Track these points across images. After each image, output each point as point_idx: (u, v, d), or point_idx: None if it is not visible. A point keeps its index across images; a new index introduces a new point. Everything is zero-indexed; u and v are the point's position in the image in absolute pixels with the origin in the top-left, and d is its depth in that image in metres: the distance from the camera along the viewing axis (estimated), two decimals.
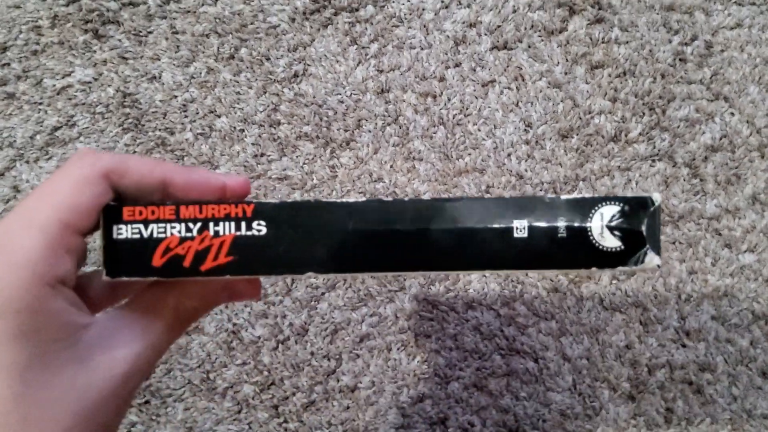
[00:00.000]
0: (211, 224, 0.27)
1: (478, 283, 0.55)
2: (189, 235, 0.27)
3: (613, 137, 0.59)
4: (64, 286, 0.25)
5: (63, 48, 0.61)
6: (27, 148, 0.58)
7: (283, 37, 0.62)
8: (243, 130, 0.59)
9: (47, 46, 0.61)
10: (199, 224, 0.27)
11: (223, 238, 0.27)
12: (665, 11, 0.63)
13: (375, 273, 0.28)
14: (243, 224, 0.27)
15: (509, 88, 0.61)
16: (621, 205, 0.27)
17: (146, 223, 0.27)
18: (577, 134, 0.59)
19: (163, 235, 0.27)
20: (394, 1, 0.63)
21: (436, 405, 0.52)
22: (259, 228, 0.27)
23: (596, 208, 0.27)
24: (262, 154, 0.58)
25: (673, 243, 0.56)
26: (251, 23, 0.62)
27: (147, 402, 0.56)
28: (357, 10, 0.62)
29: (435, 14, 0.62)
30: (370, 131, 0.59)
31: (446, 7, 0.63)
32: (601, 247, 0.27)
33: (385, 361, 0.53)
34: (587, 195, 0.27)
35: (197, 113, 0.59)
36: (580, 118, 0.59)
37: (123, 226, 0.27)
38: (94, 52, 0.61)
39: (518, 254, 0.27)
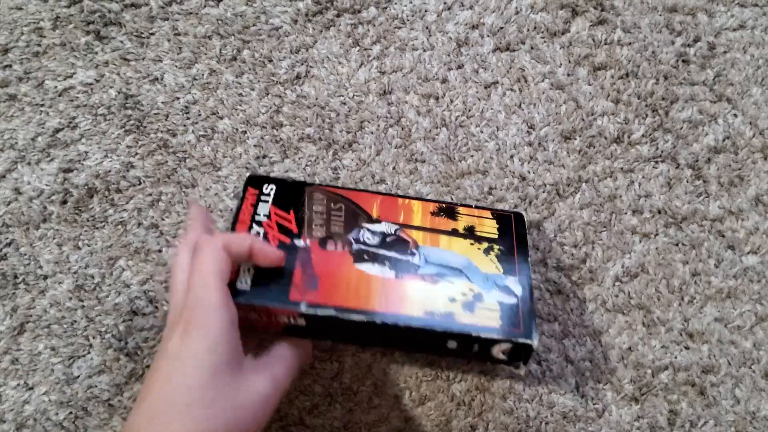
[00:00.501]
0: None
1: None
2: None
3: (616, 139, 0.59)
4: (237, 325, 0.39)
5: (65, 49, 0.61)
6: (28, 150, 0.58)
7: (285, 39, 0.62)
8: (245, 132, 0.59)
9: (49, 47, 0.61)
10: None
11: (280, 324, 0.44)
12: (668, 13, 0.62)
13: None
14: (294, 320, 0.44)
15: (512, 90, 0.60)
16: (510, 345, 0.43)
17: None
18: (580, 136, 0.59)
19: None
20: (396, 3, 0.63)
21: (439, 407, 0.52)
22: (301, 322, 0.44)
23: (496, 344, 0.43)
24: (265, 156, 0.58)
25: (677, 245, 0.56)
26: (254, 25, 0.62)
27: None
28: (359, 11, 0.62)
29: (437, 16, 0.62)
30: (372, 133, 0.59)
31: (449, 9, 0.63)
32: (496, 358, 0.45)
33: (387, 363, 0.53)
34: (490, 337, 0.43)
35: (199, 115, 0.59)
36: (583, 120, 0.59)
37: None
38: (96, 53, 0.61)
39: (450, 353, 0.45)
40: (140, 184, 0.57)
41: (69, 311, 0.54)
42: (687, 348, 0.53)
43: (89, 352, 0.53)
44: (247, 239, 0.42)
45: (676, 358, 0.53)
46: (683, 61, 0.61)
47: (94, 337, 0.53)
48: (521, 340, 0.43)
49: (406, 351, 0.53)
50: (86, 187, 0.57)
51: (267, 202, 0.48)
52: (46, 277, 0.55)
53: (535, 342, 0.43)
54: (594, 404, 0.52)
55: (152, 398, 0.36)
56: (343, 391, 0.52)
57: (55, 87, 0.60)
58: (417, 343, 0.45)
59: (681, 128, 0.59)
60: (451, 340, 0.43)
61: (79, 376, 0.52)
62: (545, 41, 0.62)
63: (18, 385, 0.52)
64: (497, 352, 0.44)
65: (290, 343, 0.43)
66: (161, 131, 0.59)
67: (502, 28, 0.62)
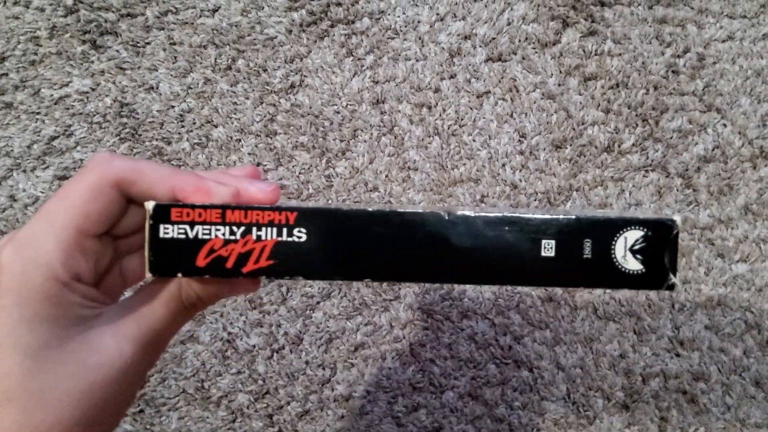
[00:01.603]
0: (254, 229, 0.29)
1: (473, 292, 0.56)
2: (233, 238, 0.29)
3: (607, 148, 0.60)
4: (80, 282, 0.28)
5: (61, 58, 0.62)
6: (24, 158, 0.58)
7: (280, 49, 0.62)
8: (239, 140, 0.59)
9: (45, 56, 0.62)
10: (242, 228, 0.29)
11: (265, 242, 0.29)
12: (658, 24, 0.63)
13: (414, 282, 0.30)
14: (285, 231, 0.29)
15: (504, 100, 0.61)
16: (644, 230, 0.28)
17: (192, 224, 0.29)
18: (571, 145, 0.60)
19: (207, 237, 0.29)
20: (389, 14, 0.63)
21: (431, 414, 0.52)
22: (300, 235, 0.29)
23: (621, 232, 0.28)
24: (259, 164, 0.58)
25: None
26: (248, 35, 0.62)
27: (141, 411, 0.56)
28: (353, 22, 0.63)
29: (430, 27, 0.63)
30: (365, 141, 0.60)
31: (441, 20, 0.63)
32: (624, 269, 0.28)
33: (379, 370, 0.53)
34: (613, 215, 0.29)
35: (194, 123, 0.60)
36: (574, 129, 0.60)
37: (170, 226, 0.29)
38: (92, 62, 0.62)
39: (544, 272, 0.28)
40: None
41: None
42: (677, 355, 0.54)
43: None
44: (171, 177, 0.29)
45: (666, 365, 0.53)
46: (673, 71, 0.62)
47: None
48: (665, 219, 0.28)
49: (478, 280, 0.30)
50: None
51: None
52: None
53: (679, 219, 0.29)
54: (585, 411, 0.52)
55: None
56: (335, 397, 0.52)
57: (51, 95, 0.60)
58: (496, 258, 0.29)
59: (671, 138, 0.60)
60: (549, 239, 0.29)
61: None
62: (536, 52, 0.62)
63: None
64: (622, 252, 0.29)
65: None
66: (156, 139, 0.59)
67: (494, 38, 0.63)
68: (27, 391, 0.26)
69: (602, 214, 0.29)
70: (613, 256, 0.28)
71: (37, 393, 0.26)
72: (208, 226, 0.29)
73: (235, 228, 0.29)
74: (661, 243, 0.28)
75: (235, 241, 0.29)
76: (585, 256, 0.29)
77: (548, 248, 0.29)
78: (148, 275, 0.29)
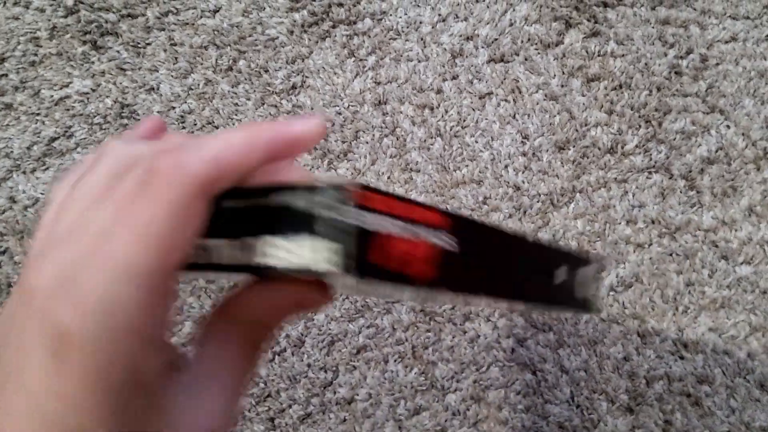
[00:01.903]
0: (423, 229, 0.23)
1: None
2: (405, 235, 0.23)
3: (610, 149, 0.59)
4: (158, 338, 0.21)
5: (61, 59, 0.61)
6: (24, 159, 0.58)
7: (281, 50, 0.62)
8: None
9: (45, 57, 0.61)
10: (414, 226, 0.23)
11: (432, 247, 0.23)
12: (660, 25, 0.63)
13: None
14: (444, 236, 0.24)
15: (506, 101, 0.61)
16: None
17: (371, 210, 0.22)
18: (574, 146, 0.59)
19: (380, 229, 0.22)
20: (391, 15, 0.63)
21: (434, 417, 0.52)
22: (453, 244, 0.24)
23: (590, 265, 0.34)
24: None
25: (671, 255, 0.56)
26: (250, 35, 0.62)
27: None
28: (355, 23, 0.63)
29: (432, 27, 0.63)
30: (367, 143, 0.59)
31: (443, 21, 0.63)
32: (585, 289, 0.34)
33: (382, 372, 0.53)
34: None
35: (195, 124, 0.59)
36: (577, 131, 0.60)
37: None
38: (93, 63, 0.61)
39: (546, 296, 0.31)
40: None
41: None
42: (682, 358, 0.53)
43: None
44: (252, 150, 0.22)
45: (670, 368, 0.53)
46: (676, 72, 0.62)
47: None
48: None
49: (512, 297, 0.29)
50: None
51: None
52: None
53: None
54: (589, 414, 0.52)
55: None
56: (337, 400, 0.52)
57: (52, 96, 0.60)
58: (526, 277, 0.29)
59: (674, 139, 0.60)
60: (563, 266, 0.31)
61: None
62: (539, 53, 0.62)
63: None
64: (592, 276, 0.34)
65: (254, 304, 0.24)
66: None
67: (496, 39, 0.62)
68: None
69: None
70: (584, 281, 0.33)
71: None
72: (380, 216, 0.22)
73: (404, 223, 0.22)
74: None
75: (407, 241, 0.22)
76: (575, 279, 0.32)
77: (561, 274, 0.31)
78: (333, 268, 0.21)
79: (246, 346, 0.24)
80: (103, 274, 0.19)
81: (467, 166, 0.59)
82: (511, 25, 0.63)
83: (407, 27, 0.63)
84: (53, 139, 0.59)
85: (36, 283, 0.19)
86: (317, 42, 0.62)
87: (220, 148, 0.21)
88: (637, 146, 0.60)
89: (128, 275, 0.19)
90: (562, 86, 0.61)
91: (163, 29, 0.62)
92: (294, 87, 0.61)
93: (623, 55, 0.62)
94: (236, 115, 0.60)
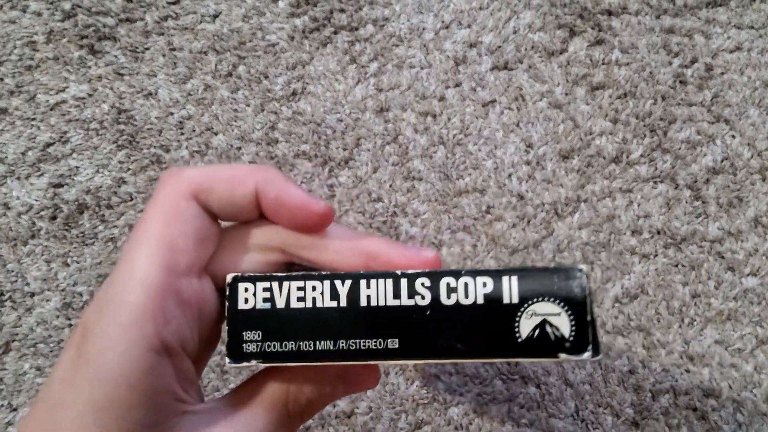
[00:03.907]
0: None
1: None
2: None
3: (615, 158, 0.59)
4: (175, 351, 0.21)
5: (58, 63, 0.60)
6: (18, 165, 0.57)
7: (281, 55, 0.61)
8: (240, 148, 0.58)
9: (42, 61, 0.60)
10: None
11: None
12: (665, 33, 0.62)
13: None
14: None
15: (510, 109, 0.60)
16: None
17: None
18: (578, 155, 0.59)
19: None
20: (394, 21, 0.62)
21: (436, 431, 0.51)
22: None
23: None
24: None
25: (676, 266, 0.56)
26: (250, 41, 0.61)
27: None
28: (357, 29, 0.62)
29: (435, 34, 0.62)
30: (369, 150, 0.58)
31: (446, 28, 0.62)
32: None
33: (382, 385, 0.52)
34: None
35: (194, 130, 0.58)
36: (581, 139, 0.59)
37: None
38: (89, 67, 0.60)
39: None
40: (132, 200, 0.56)
41: (56, 330, 0.52)
42: (688, 371, 0.53)
43: None
44: (250, 175, 0.23)
45: (676, 381, 0.52)
46: (681, 81, 0.61)
47: None
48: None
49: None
50: (76, 202, 0.56)
51: None
52: (33, 295, 0.53)
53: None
54: (594, 428, 0.51)
55: None
56: (336, 413, 0.51)
57: (47, 101, 0.59)
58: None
59: (679, 149, 0.59)
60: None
61: None
62: (543, 60, 0.61)
63: (2, 405, 0.50)
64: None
65: (297, 373, 0.24)
66: (154, 146, 0.58)
67: (500, 47, 0.62)
68: None
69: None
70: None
71: None
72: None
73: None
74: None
75: None
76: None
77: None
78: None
79: (282, 413, 0.24)
80: (116, 276, 0.21)
81: (470, 174, 0.58)
82: (514, 32, 0.62)
83: (410, 34, 0.62)
84: (48, 145, 0.58)
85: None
86: (318, 48, 0.62)
87: (219, 167, 0.24)
88: (642, 155, 0.59)
89: (132, 274, 0.21)
90: (567, 94, 0.60)
91: (162, 34, 0.61)
92: (294, 93, 0.60)
93: (628, 64, 0.61)
94: (235, 121, 0.59)
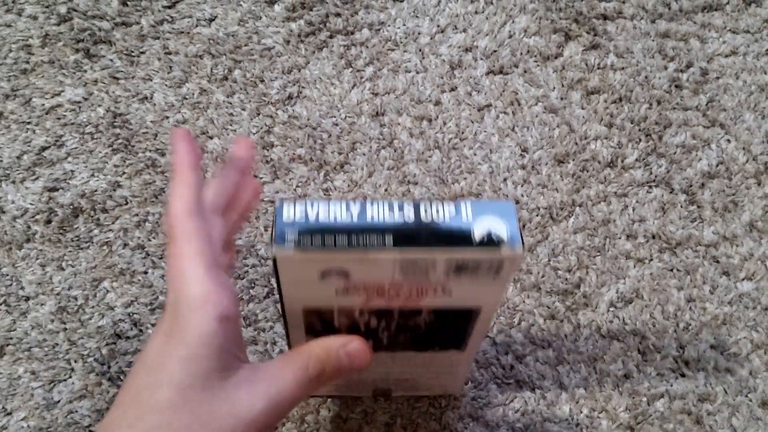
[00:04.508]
0: None
1: None
2: None
3: (610, 163, 0.59)
4: (229, 322, 0.31)
5: (53, 67, 0.60)
6: (13, 168, 0.57)
7: (277, 59, 0.61)
8: None
9: (37, 65, 0.60)
10: None
11: None
12: (660, 38, 0.63)
13: None
14: None
15: (505, 113, 0.60)
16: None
17: None
18: (573, 159, 0.59)
19: None
20: (389, 25, 0.62)
21: None
22: None
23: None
24: (255, 176, 0.57)
25: (671, 270, 0.56)
26: (245, 45, 0.61)
27: None
28: (352, 33, 0.62)
29: (431, 38, 0.62)
30: (364, 154, 0.58)
31: (442, 32, 0.63)
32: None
33: None
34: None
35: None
36: (576, 144, 0.59)
37: None
38: (85, 71, 0.60)
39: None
40: (127, 204, 0.56)
41: (51, 334, 0.52)
42: (683, 375, 0.53)
43: (71, 377, 0.51)
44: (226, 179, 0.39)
45: (671, 386, 0.52)
46: (676, 86, 0.61)
47: (76, 361, 0.51)
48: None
49: None
50: (71, 206, 0.56)
51: None
52: (28, 299, 0.53)
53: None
54: None
55: (118, 415, 0.30)
56: (331, 418, 0.51)
57: (43, 105, 0.59)
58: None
59: (674, 153, 0.59)
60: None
61: (59, 401, 0.50)
62: (538, 65, 0.62)
63: None
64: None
65: (313, 348, 0.35)
66: (150, 150, 0.58)
67: (495, 51, 0.62)
68: (171, 427, 0.28)
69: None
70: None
71: (178, 430, 0.28)
72: None
73: None
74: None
75: None
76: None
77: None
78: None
79: (303, 374, 0.33)
80: (180, 272, 0.32)
81: (465, 178, 0.58)
82: (510, 36, 0.62)
83: (406, 38, 0.62)
84: (44, 149, 0.58)
85: None
86: (314, 52, 0.62)
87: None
88: (637, 160, 0.59)
89: (188, 278, 0.31)
90: (562, 99, 0.60)
91: (158, 38, 0.61)
92: (290, 97, 0.60)
93: (623, 68, 0.62)
94: (231, 125, 0.59)
